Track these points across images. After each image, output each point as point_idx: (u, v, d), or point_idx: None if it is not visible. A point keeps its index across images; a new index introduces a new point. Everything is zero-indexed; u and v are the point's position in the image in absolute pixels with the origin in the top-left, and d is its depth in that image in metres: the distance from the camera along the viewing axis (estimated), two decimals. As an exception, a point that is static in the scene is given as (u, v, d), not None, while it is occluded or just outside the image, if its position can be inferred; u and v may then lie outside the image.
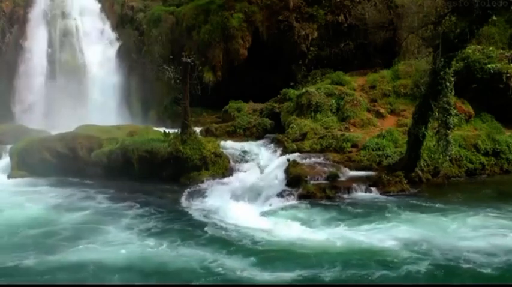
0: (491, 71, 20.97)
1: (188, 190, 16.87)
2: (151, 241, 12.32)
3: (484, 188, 16.93)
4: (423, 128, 16.39)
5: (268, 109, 23.71)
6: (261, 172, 18.32)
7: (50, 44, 28.23)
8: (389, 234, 12.49)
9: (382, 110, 21.86)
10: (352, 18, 26.48)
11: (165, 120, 26.28)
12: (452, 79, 15.99)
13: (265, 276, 10.35)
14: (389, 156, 18.06)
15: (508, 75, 20.94)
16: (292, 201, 15.64)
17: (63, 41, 28.29)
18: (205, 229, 13.19)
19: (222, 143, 20.08)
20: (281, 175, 17.28)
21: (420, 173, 17.08)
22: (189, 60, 18.41)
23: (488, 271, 10.40)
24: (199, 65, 23.18)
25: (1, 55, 28.40)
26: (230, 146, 20.35)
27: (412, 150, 16.93)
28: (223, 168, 18.52)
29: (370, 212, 14.30)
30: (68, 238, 12.70)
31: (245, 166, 18.88)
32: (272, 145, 20.29)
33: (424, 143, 16.93)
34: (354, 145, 19.03)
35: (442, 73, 15.78)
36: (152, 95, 27.90)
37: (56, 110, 25.99)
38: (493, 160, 18.70)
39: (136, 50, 28.96)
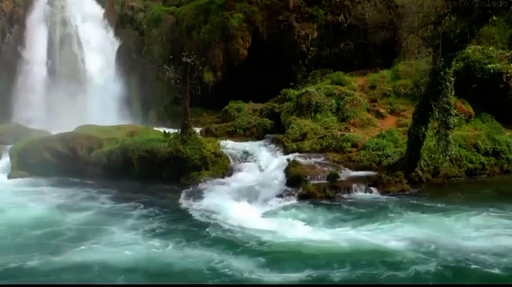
0: (491, 71, 20.97)
1: (189, 190, 16.86)
2: (156, 242, 12.29)
3: (485, 188, 16.94)
4: (423, 128, 16.40)
5: (268, 109, 23.71)
6: (261, 172, 18.33)
7: (50, 44, 28.18)
8: (394, 234, 12.50)
9: (382, 110, 21.87)
10: (352, 18, 26.47)
11: (165, 120, 26.27)
12: (452, 79, 16.00)
13: (274, 277, 10.32)
14: (389, 156, 18.07)
15: (508, 75, 20.94)
16: (292, 201, 15.65)
17: (64, 40, 28.26)
18: (209, 229, 13.18)
19: (222, 143, 20.08)
20: (281, 175, 17.29)
21: (420, 173, 17.08)
22: (189, 60, 18.41)
23: (497, 271, 10.39)
24: (199, 65, 23.16)
25: (1, 55, 28.38)
26: (230, 146, 20.35)
27: (412, 150, 16.93)
28: (223, 168, 18.52)
29: (373, 213, 14.31)
30: (72, 239, 12.68)
31: (245, 166, 18.88)
32: (272, 145, 20.30)
33: (424, 143, 16.94)
34: (354, 145, 19.05)
35: (442, 73, 15.79)
36: (152, 95, 27.89)
37: (56, 110, 25.95)
38: (493, 160, 18.71)
39: (136, 50, 28.95)
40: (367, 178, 16.96)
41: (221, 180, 17.82)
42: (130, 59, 28.71)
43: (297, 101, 22.32)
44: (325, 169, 17.28)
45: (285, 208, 14.99)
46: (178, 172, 18.24)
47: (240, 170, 18.59)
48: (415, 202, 15.27)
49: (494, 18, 15.76)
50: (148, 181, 17.96)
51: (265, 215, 14.40)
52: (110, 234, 12.98)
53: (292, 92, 23.65)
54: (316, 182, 16.53)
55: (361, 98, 22.19)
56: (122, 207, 15.39)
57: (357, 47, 26.52)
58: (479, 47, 22.05)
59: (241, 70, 26.02)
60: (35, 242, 12.42)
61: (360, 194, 16.15)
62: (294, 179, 16.71)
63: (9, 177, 19.34)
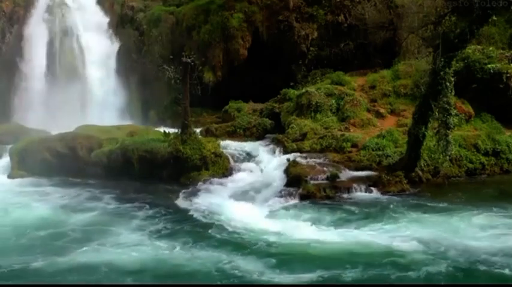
0: (491, 71, 20.97)
1: (189, 190, 16.88)
2: (163, 243, 12.27)
3: (485, 188, 16.95)
4: (423, 128, 16.40)
5: (268, 109, 23.72)
6: (261, 172, 18.33)
7: (50, 44, 28.16)
8: (400, 234, 12.50)
9: (382, 110, 21.86)
10: (352, 18, 26.47)
11: (165, 120, 26.26)
12: (452, 79, 16.00)
13: (285, 278, 10.29)
14: (389, 156, 18.07)
15: (508, 75, 20.94)
16: (293, 201, 15.65)
17: (64, 40, 28.23)
18: (214, 230, 13.16)
19: (222, 143, 20.08)
20: (281, 175, 17.30)
21: (420, 173, 17.09)
22: (189, 60, 18.42)
23: (507, 271, 10.38)
24: (199, 65, 23.18)
25: (1, 55, 28.36)
26: (230, 146, 20.35)
27: (412, 150, 16.93)
28: (223, 168, 18.52)
29: (376, 213, 14.31)
30: (78, 240, 12.65)
31: (245, 166, 18.90)
32: (272, 145, 20.29)
33: (424, 143, 16.94)
34: (354, 145, 19.05)
35: (442, 73, 15.79)
36: (152, 95, 27.86)
37: (56, 110, 25.92)
38: (493, 160, 18.71)
39: (136, 50, 28.91)
40: (367, 178, 16.96)
41: (221, 180, 17.82)
42: (130, 59, 28.68)
43: (297, 101, 22.32)
44: (325, 169, 17.28)
45: (286, 208, 14.98)
46: (178, 172, 18.24)
47: (240, 170, 18.60)
48: (416, 202, 15.27)
49: (494, 18, 15.76)
50: (148, 181, 17.95)
51: (269, 215, 14.39)
52: (116, 235, 12.94)
53: (292, 92, 23.64)
54: (316, 182, 16.52)
55: (361, 98, 22.19)
56: (125, 208, 15.38)
57: (357, 47, 26.52)
58: (479, 47, 22.05)
59: (241, 70, 26.01)
60: (40, 243, 12.39)
61: (360, 194, 16.14)
62: (294, 179, 16.70)
63: (9, 177, 19.34)
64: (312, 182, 16.48)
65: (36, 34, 28.11)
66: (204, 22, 27.03)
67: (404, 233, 12.58)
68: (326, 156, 18.49)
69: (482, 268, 10.61)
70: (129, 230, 13.28)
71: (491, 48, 22.18)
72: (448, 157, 16.82)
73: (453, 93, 16.17)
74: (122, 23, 29.74)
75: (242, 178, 17.93)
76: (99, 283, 10.31)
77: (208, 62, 26.43)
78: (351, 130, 20.52)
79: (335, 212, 14.44)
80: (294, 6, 26.37)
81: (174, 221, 14.07)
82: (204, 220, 14.11)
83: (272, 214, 14.49)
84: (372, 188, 16.38)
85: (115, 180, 18.20)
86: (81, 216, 14.55)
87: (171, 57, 23.26)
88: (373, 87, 23.21)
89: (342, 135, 19.58)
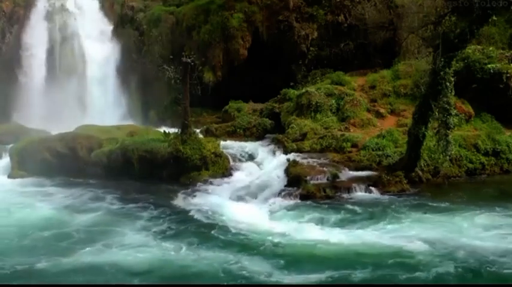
0: (491, 71, 20.97)
1: (190, 190, 16.87)
2: (168, 244, 12.23)
3: (485, 188, 16.95)
4: (423, 128, 16.40)
5: (268, 109, 23.72)
6: (261, 172, 18.32)
7: (51, 44, 28.16)
8: (405, 235, 12.50)
9: (382, 110, 21.87)
10: (352, 18, 26.47)
11: (165, 120, 26.26)
12: (452, 79, 16.00)
13: (294, 279, 10.23)
14: (389, 156, 18.07)
15: (508, 75, 20.94)
16: (293, 201, 15.63)
17: (64, 40, 28.23)
18: (218, 231, 13.13)
19: (222, 143, 20.08)
20: (281, 174, 17.30)
21: (420, 173, 17.09)
22: (189, 60, 18.42)
23: None
24: (199, 65, 23.18)
25: (1, 55, 28.35)
26: (230, 146, 20.35)
27: (412, 150, 16.93)
28: (223, 168, 18.52)
29: (378, 213, 14.30)
30: (83, 240, 12.60)
31: (245, 165, 18.90)
32: (272, 145, 20.30)
33: (424, 143, 16.94)
34: (354, 145, 19.05)
35: (442, 73, 15.78)
36: (152, 95, 27.86)
37: (56, 110, 25.92)
38: (493, 160, 18.71)
39: (136, 50, 28.92)
40: (367, 178, 16.96)
41: (221, 180, 17.83)
42: (130, 59, 28.69)
43: (297, 101, 22.32)
44: (325, 169, 17.27)
45: (287, 208, 14.96)
46: (178, 172, 18.24)
47: (240, 170, 18.61)
48: (417, 202, 15.27)
49: (494, 18, 15.75)
50: (148, 181, 17.95)
51: (270, 215, 14.38)
52: (121, 235, 12.89)
53: (292, 92, 23.65)
54: (316, 182, 16.52)
55: (361, 98, 22.19)
56: (129, 208, 15.35)
57: (357, 47, 26.52)
58: (479, 47, 22.05)
59: (241, 70, 26.01)
60: (44, 244, 12.33)
61: (360, 194, 16.14)
62: (294, 179, 16.70)
63: (9, 177, 19.32)
64: (312, 182, 16.48)
65: (37, 34, 28.11)
66: (204, 22, 27.03)
67: (409, 233, 12.56)
68: (326, 156, 18.49)
69: (491, 269, 10.55)
70: (133, 231, 13.24)
71: (491, 48, 22.18)
72: (448, 157, 16.81)
73: (453, 93, 16.16)
74: (121, 23, 29.74)
75: (242, 178, 17.93)
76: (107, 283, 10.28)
77: (208, 62, 26.43)
78: (351, 130, 20.52)
79: (337, 212, 14.42)
80: (294, 6, 26.37)
81: (178, 221, 14.03)
82: (207, 221, 14.08)
83: (273, 214, 14.48)
84: (372, 188, 16.37)
85: (115, 180, 18.19)
86: (85, 216, 14.52)
87: (171, 57, 23.27)
88: (373, 87, 23.21)
89: (342, 135, 19.58)
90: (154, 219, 14.25)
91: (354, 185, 16.44)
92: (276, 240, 12.27)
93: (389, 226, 13.18)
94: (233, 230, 13.08)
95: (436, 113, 16.05)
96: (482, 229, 12.83)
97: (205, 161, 18.33)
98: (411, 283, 10.13)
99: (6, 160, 20.27)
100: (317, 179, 16.65)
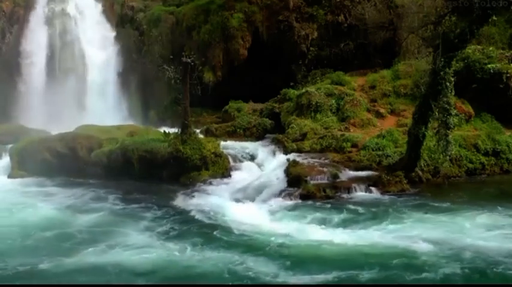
0: (491, 71, 20.98)
1: (190, 190, 16.85)
2: (172, 244, 12.16)
3: (485, 188, 16.94)
4: (423, 128, 16.40)
5: (268, 109, 23.73)
6: (261, 172, 18.32)
7: (51, 44, 28.13)
8: (408, 235, 12.46)
9: (382, 110, 21.88)
10: (352, 18, 26.48)
11: (165, 120, 26.26)
12: (452, 79, 16.00)
13: (300, 280, 10.17)
14: (389, 156, 18.07)
15: (508, 75, 20.95)
16: (293, 201, 15.61)
17: (64, 40, 28.21)
18: (222, 231, 13.06)
19: (222, 143, 20.08)
20: (281, 175, 17.29)
21: (420, 173, 17.09)
22: (189, 60, 18.41)
23: None
24: (199, 65, 23.19)
25: (1, 55, 28.33)
26: (230, 146, 20.35)
27: (412, 150, 16.93)
28: (223, 168, 18.52)
29: (380, 213, 14.26)
30: (86, 241, 12.51)
31: (245, 166, 18.90)
32: (272, 145, 20.31)
33: (424, 143, 16.94)
34: (354, 145, 19.06)
35: (442, 73, 15.78)
36: (152, 95, 27.87)
37: (56, 110, 25.91)
38: (493, 160, 18.72)
39: (136, 50, 28.92)
40: (367, 178, 16.96)
41: (221, 180, 17.83)
42: (130, 59, 28.68)
43: (297, 101, 22.33)
44: (325, 169, 17.27)
45: (287, 209, 14.92)
46: (178, 172, 18.23)
47: (240, 170, 18.62)
48: (418, 202, 15.25)
49: (494, 18, 15.75)
50: (148, 181, 17.94)
51: (271, 216, 14.34)
52: (124, 236, 12.83)
53: (292, 92, 23.66)
54: (316, 182, 16.51)
55: (361, 98, 22.20)
56: (130, 208, 15.30)
57: (357, 47, 26.54)
58: (479, 47, 22.06)
59: (241, 70, 26.02)
60: (47, 244, 12.26)
61: (360, 194, 16.13)
62: (294, 179, 16.69)
63: (9, 177, 19.32)
64: (312, 182, 16.47)
65: (36, 39, 28.06)
66: (204, 22, 27.04)
67: (412, 234, 12.52)
68: (326, 156, 18.50)
69: (498, 269, 10.48)
70: (136, 231, 13.17)
71: (491, 48, 22.19)
72: (448, 157, 16.81)
73: (453, 93, 16.16)
74: (121, 23, 29.74)
75: (242, 178, 17.93)
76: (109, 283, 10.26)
77: (208, 62, 26.44)
78: (351, 130, 20.53)
79: (338, 212, 14.38)
80: (294, 6, 26.38)
81: (180, 222, 13.97)
82: (208, 221, 14.02)
83: (274, 215, 14.44)
84: (372, 188, 16.36)
85: (115, 180, 18.17)
86: (87, 217, 14.45)
87: (171, 57, 23.28)
88: (373, 87, 23.23)
89: (342, 135, 19.59)
90: (157, 219, 14.19)
91: (354, 185, 16.43)
92: (280, 241, 12.24)
93: (391, 226, 13.14)
94: (236, 231, 13.03)
95: (436, 113, 16.05)
96: (484, 229, 12.79)
97: (205, 161, 18.33)
98: (419, 283, 10.09)
99: (6, 160, 20.26)
100: (317, 179, 16.64)
